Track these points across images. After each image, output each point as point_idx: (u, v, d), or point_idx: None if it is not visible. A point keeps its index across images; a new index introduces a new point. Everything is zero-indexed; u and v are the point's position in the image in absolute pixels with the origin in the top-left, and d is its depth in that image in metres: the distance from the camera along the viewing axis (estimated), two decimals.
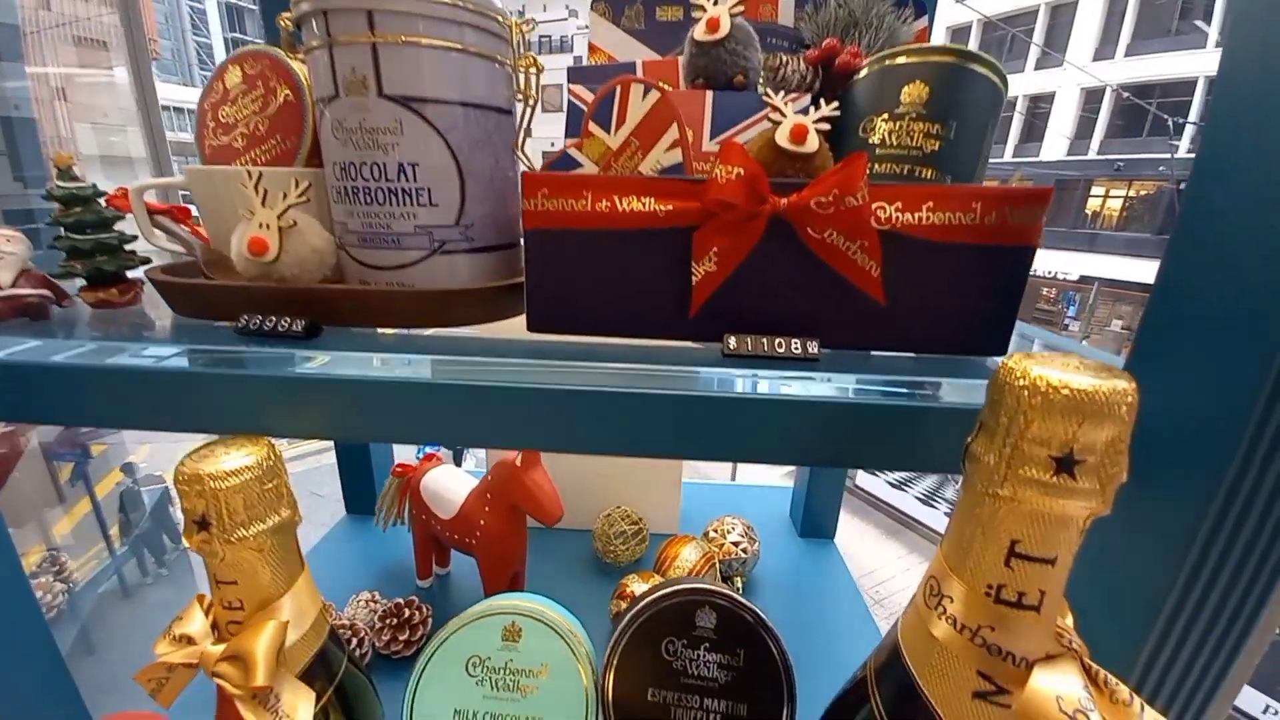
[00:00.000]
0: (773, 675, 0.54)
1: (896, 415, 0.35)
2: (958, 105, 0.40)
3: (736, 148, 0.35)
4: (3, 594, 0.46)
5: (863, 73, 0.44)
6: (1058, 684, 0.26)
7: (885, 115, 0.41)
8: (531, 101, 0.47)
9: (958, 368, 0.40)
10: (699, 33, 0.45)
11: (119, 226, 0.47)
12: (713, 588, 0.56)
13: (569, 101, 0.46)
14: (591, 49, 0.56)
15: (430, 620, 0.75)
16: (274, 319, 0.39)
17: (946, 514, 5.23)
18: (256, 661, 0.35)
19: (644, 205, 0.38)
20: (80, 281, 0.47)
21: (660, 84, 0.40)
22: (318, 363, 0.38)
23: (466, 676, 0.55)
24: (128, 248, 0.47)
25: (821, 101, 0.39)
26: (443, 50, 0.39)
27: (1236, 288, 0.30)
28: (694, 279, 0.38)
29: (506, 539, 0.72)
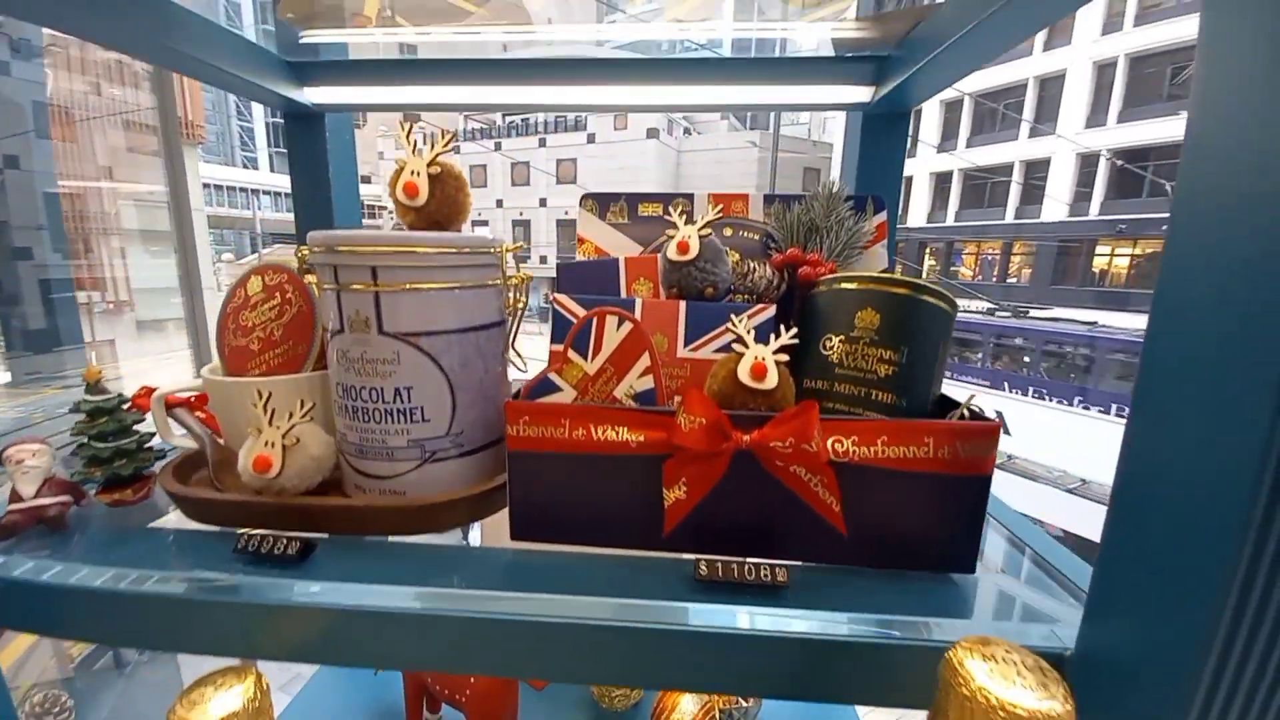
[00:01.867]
0: None
1: (862, 651, 0.36)
2: (909, 333, 0.43)
3: (698, 397, 0.38)
4: None
5: (822, 286, 0.48)
6: None
7: (842, 336, 0.44)
8: (520, 311, 0.51)
9: (925, 581, 0.41)
10: (671, 253, 0.49)
11: (139, 425, 0.51)
12: None
13: (554, 311, 0.50)
14: (579, 240, 0.62)
15: None
16: (270, 540, 0.42)
17: None
18: None
19: (617, 434, 0.41)
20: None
21: (630, 316, 0.43)
22: (311, 588, 0.40)
23: None
24: (147, 445, 0.51)
25: (783, 328, 0.42)
26: (439, 290, 0.44)
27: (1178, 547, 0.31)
28: (666, 503, 0.40)
29: (497, 696, 0.71)
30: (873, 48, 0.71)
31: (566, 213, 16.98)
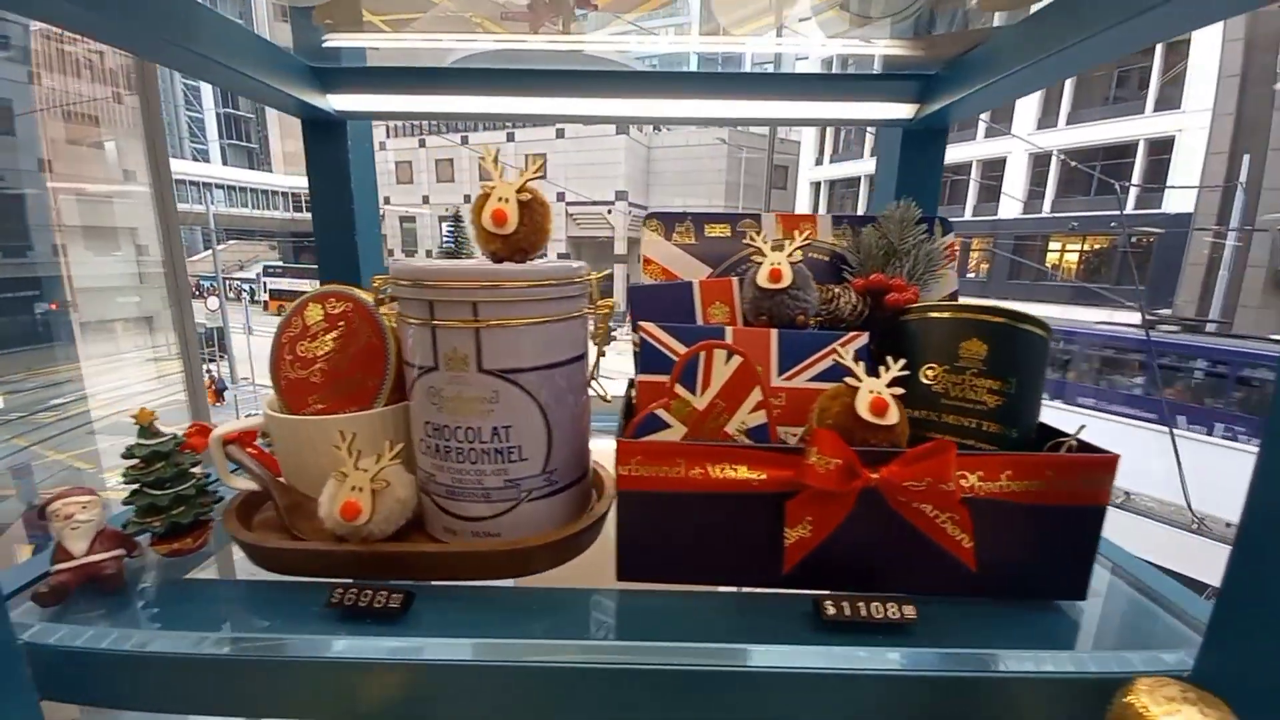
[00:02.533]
0: None
1: (1000, 685, 0.36)
2: (1015, 363, 0.43)
3: (830, 438, 0.37)
4: None
5: (913, 314, 0.48)
6: None
7: (946, 367, 0.44)
8: (602, 342, 0.49)
9: (1038, 610, 0.42)
10: (763, 280, 0.48)
11: (194, 468, 0.47)
12: None
13: (642, 339, 0.48)
14: (645, 261, 0.60)
15: None
16: (369, 593, 0.39)
17: None
18: None
19: (737, 473, 0.40)
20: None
21: (740, 350, 0.42)
22: (419, 644, 0.38)
23: None
24: (207, 489, 0.47)
25: (889, 360, 0.42)
26: (538, 324, 0.42)
27: None
28: (787, 541, 0.40)
29: None
30: (919, 66, 0.72)
31: None
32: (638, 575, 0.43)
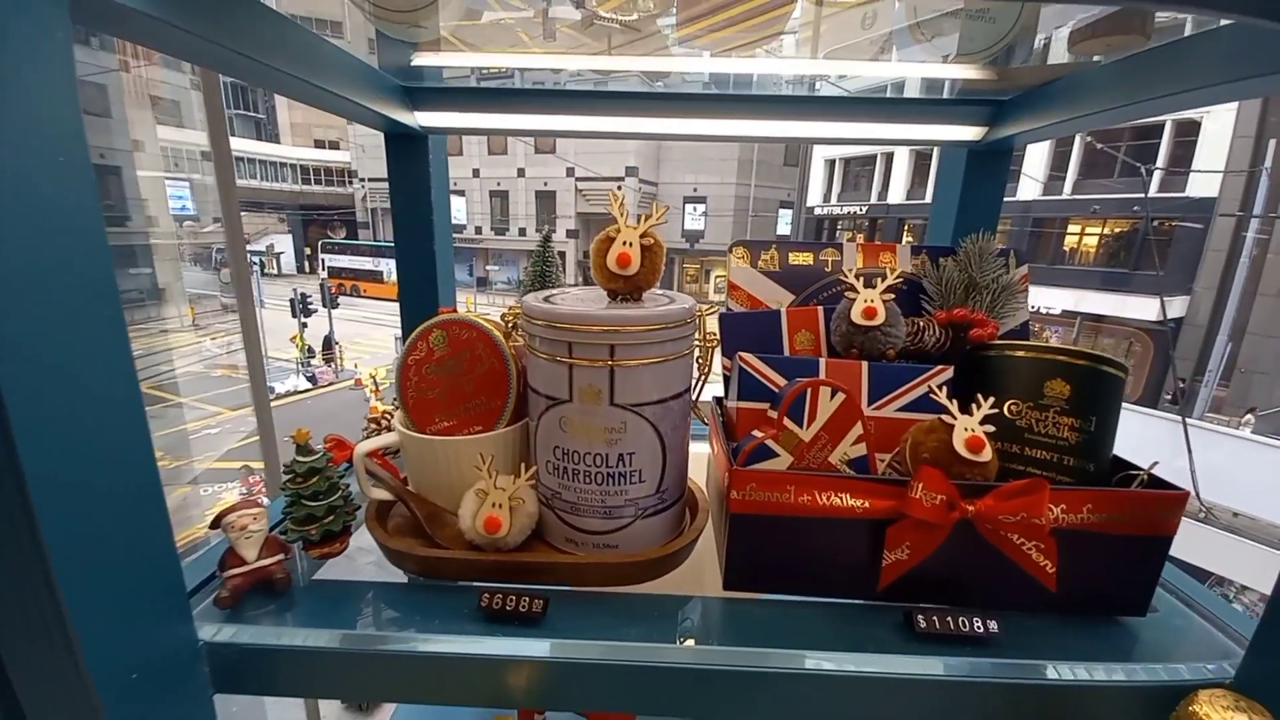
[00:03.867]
0: None
1: (1077, 693, 0.41)
2: (1095, 402, 0.47)
3: (934, 475, 0.42)
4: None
5: (997, 350, 0.52)
6: None
7: (1030, 403, 0.48)
8: (707, 373, 0.54)
9: (1101, 624, 0.47)
10: (857, 316, 0.52)
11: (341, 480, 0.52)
12: None
13: (740, 369, 0.52)
14: (731, 286, 0.64)
15: None
16: (514, 599, 0.45)
17: None
18: None
19: (843, 501, 0.45)
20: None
21: (844, 388, 0.47)
22: (560, 643, 0.43)
23: None
24: (351, 500, 0.52)
25: (980, 398, 0.46)
26: (662, 363, 0.46)
27: None
28: (885, 562, 0.45)
29: None
30: (991, 91, 0.74)
31: (545, 184, 16.59)
32: (742, 586, 0.48)
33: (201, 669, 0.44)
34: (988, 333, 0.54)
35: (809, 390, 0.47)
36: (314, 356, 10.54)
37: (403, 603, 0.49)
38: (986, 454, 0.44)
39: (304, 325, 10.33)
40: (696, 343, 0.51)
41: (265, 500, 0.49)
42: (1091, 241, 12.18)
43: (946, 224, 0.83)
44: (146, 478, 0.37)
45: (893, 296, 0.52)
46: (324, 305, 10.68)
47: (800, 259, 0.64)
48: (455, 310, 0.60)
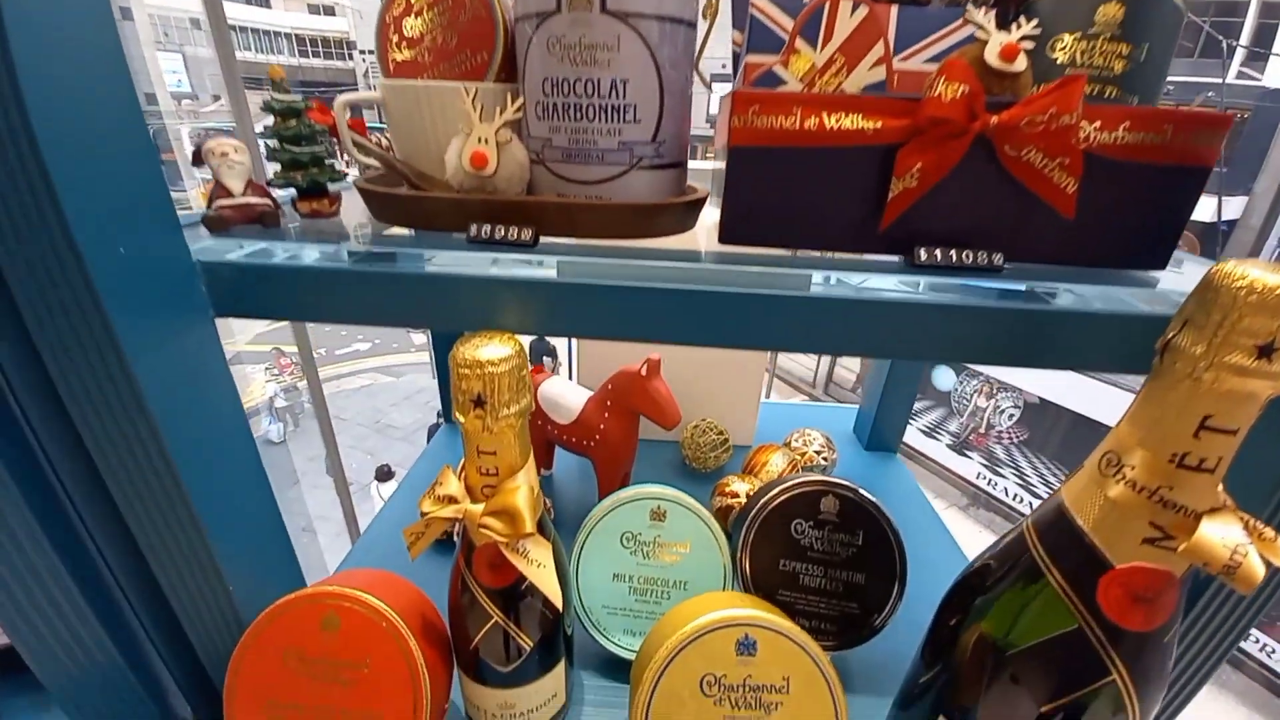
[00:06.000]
0: (887, 553, 0.62)
1: (1081, 319, 0.40)
2: (1149, 28, 0.41)
3: (961, 65, 0.38)
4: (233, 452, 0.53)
5: None
6: (1222, 529, 0.33)
7: (1077, 34, 0.43)
8: (713, 16, 0.48)
9: (1122, 278, 0.45)
10: None
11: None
12: (836, 480, 0.63)
13: (751, 18, 0.47)
14: None
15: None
16: (503, 229, 0.44)
17: (950, 446, 5.37)
18: (522, 514, 0.43)
19: (852, 123, 0.41)
20: (287, 193, 0.50)
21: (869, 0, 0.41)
22: (549, 268, 0.43)
23: (621, 548, 0.63)
24: (333, 159, 0.50)
25: (1022, 19, 0.41)
26: None
27: None
28: (891, 194, 0.42)
29: (623, 441, 0.80)
30: None
31: None
32: (739, 238, 0.47)
33: (198, 286, 0.44)
34: None
35: (828, 5, 0.42)
36: None
37: (398, 240, 0.49)
38: (1021, 63, 0.40)
39: None
40: None
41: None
42: None
43: None
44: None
45: None
46: None
47: None
48: None
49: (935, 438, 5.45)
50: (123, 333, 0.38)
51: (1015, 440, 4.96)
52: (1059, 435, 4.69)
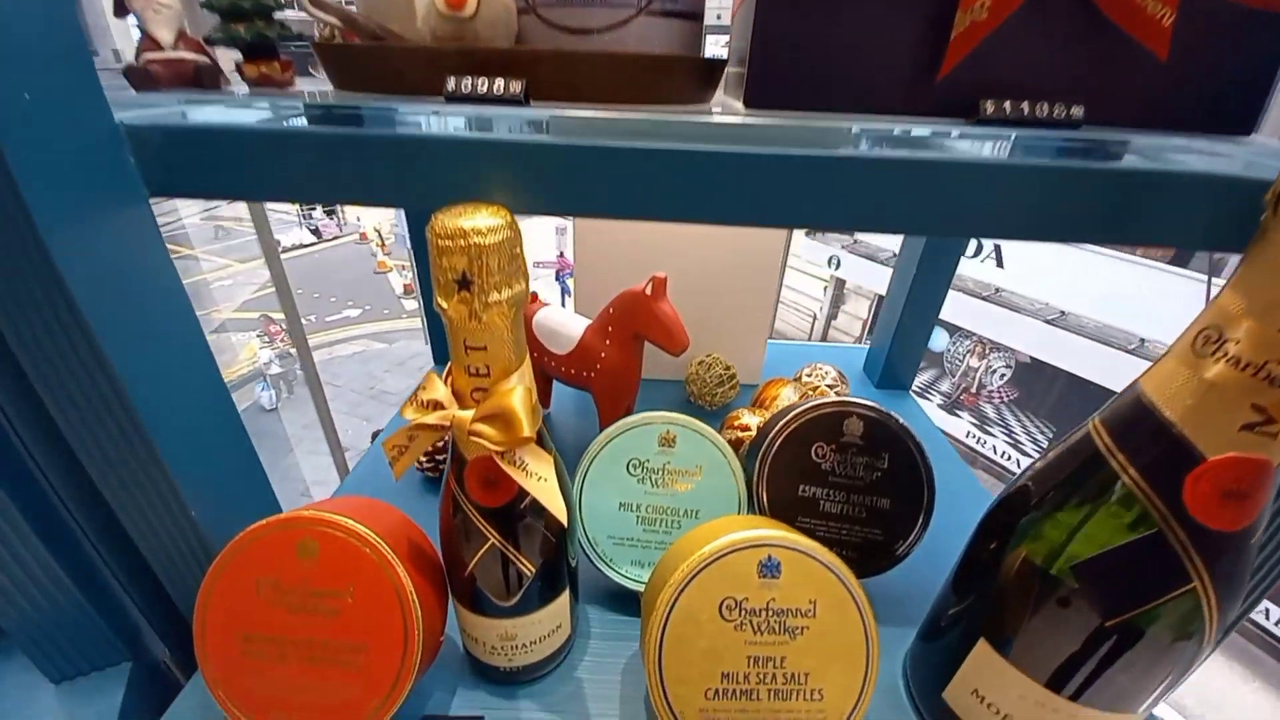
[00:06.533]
0: (914, 476, 0.58)
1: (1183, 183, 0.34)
2: None
3: None
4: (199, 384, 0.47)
5: None
6: None
7: None
8: None
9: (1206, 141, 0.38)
10: None
11: None
12: (860, 400, 0.58)
13: None
14: None
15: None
16: (487, 82, 0.36)
17: (941, 406, 5.41)
18: (519, 418, 0.37)
19: None
20: (232, 57, 0.43)
21: None
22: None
23: (628, 475, 0.58)
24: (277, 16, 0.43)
25: None
26: None
27: None
28: (955, 32, 0.35)
29: (626, 370, 0.74)
30: None
31: None
32: (768, 102, 0.40)
33: (125, 158, 0.37)
34: None
35: None
36: (315, 209, 10.17)
37: (364, 99, 0.41)
38: None
39: None
40: None
41: None
42: None
43: None
44: None
45: None
46: None
47: None
48: None
49: (927, 398, 5.48)
50: (35, 206, 0.31)
51: (1006, 399, 4.99)
52: (1052, 395, 4.72)
